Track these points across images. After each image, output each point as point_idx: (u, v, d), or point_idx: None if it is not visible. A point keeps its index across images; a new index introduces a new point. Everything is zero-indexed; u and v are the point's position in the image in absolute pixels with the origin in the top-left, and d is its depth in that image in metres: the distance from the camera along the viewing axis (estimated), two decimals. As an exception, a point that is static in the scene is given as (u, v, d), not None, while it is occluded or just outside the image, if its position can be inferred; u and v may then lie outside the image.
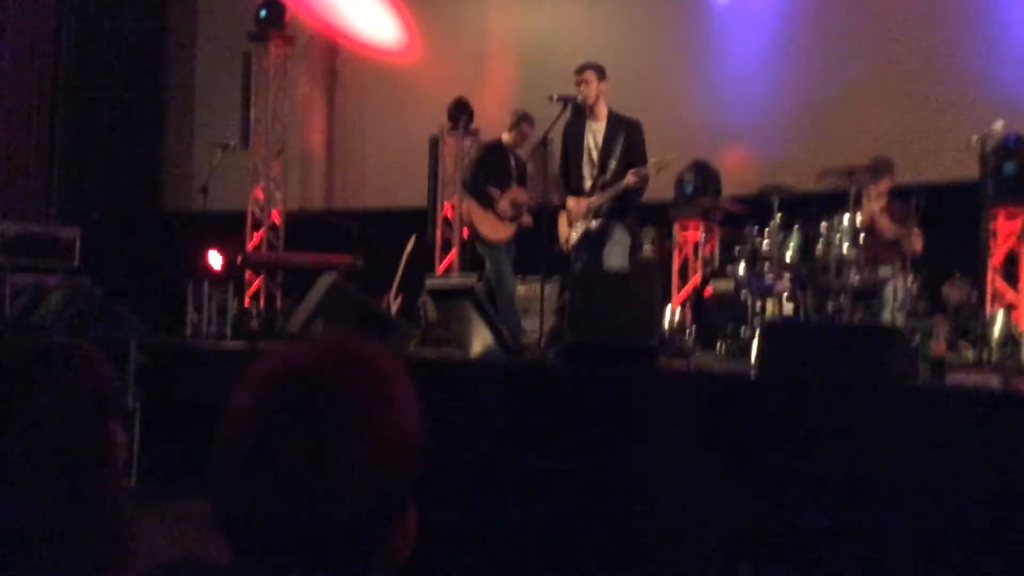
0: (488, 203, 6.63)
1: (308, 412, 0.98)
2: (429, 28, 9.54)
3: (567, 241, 6.21)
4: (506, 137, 6.87)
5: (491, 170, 6.75)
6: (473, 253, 7.20)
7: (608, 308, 4.85)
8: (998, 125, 5.49)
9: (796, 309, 5.95)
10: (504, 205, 6.66)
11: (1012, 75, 6.83)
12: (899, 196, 6.13)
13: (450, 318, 5.94)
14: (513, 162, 6.82)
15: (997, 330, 5.92)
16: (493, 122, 9.00)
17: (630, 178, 5.87)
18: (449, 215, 9.04)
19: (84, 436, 1.19)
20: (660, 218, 7.71)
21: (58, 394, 1.19)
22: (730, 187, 7.64)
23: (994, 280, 6.51)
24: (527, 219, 6.71)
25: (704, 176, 7.75)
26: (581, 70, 6.14)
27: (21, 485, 1.15)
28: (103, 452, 1.20)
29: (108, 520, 1.20)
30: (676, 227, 7.83)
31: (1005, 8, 7.07)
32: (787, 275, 6.06)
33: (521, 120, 6.88)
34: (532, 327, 6.34)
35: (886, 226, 6.00)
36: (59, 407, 1.19)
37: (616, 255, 6.02)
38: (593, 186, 6.11)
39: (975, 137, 5.48)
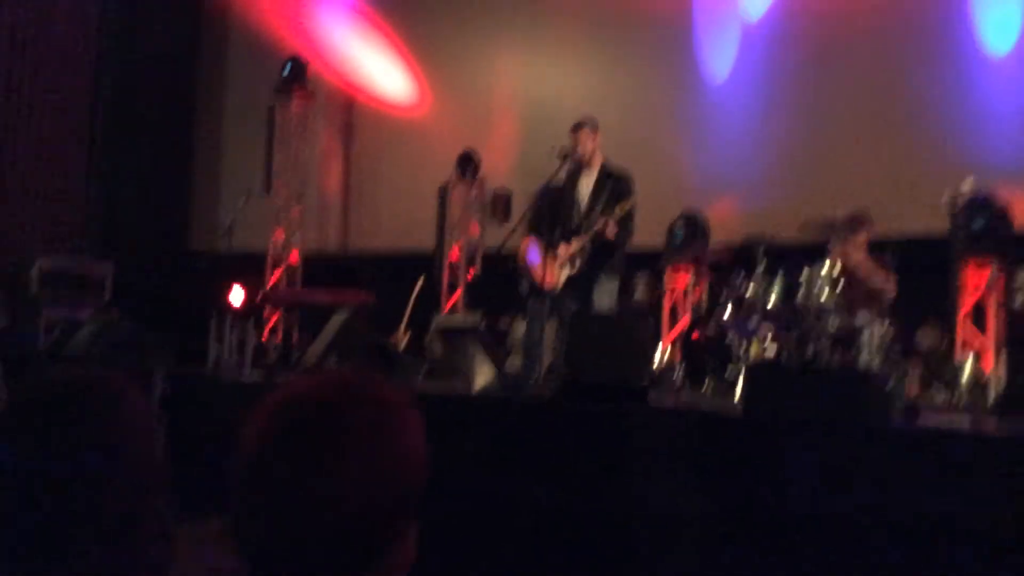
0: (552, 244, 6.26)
1: (315, 436, 0.99)
2: (439, 84, 9.64)
3: (555, 285, 6.10)
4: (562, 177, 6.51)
5: (553, 213, 6.36)
6: (492, 294, 7.04)
7: (603, 348, 4.86)
8: (968, 183, 5.53)
9: (779, 352, 5.94)
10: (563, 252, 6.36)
11: (981, 136, 6.89)
12: (876, 247, 6.15)
13: (454, 354, 5.94)
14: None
15: (966, 374, 5.92)
16: (499, 172, 9.07)
17: (598, 225, 5.85)
18: (454, 258, 9.07)
19: (136, 461, 1.20)
20: (652, 264, 7.72)
21: (115, 420, 1.21)
22: (718, 236, 7.67)
23: (963, 327, 6.51)
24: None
25: (693, 226, 7.79)
26: (576, 129, 6.15)
27: (84, 508, 1.16)
28: (152, 474, 1.22)
29: (161, 536, 1.21)
30: (667, 273, 7.85)
31: (977, 74, 7.15)
32: (770, 320, 6.06)
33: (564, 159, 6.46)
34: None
35: (866, 275, 6.01)
36: (117, 432, 1.20)
37: (605, 297, 6.00)
38: (576, 232, 6.11)
39: (946, 195, 5.52)
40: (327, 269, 9.35)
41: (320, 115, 10.22)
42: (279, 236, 9.90)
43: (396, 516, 1.00)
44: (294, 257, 9.95)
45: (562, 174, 6.13)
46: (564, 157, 6.02)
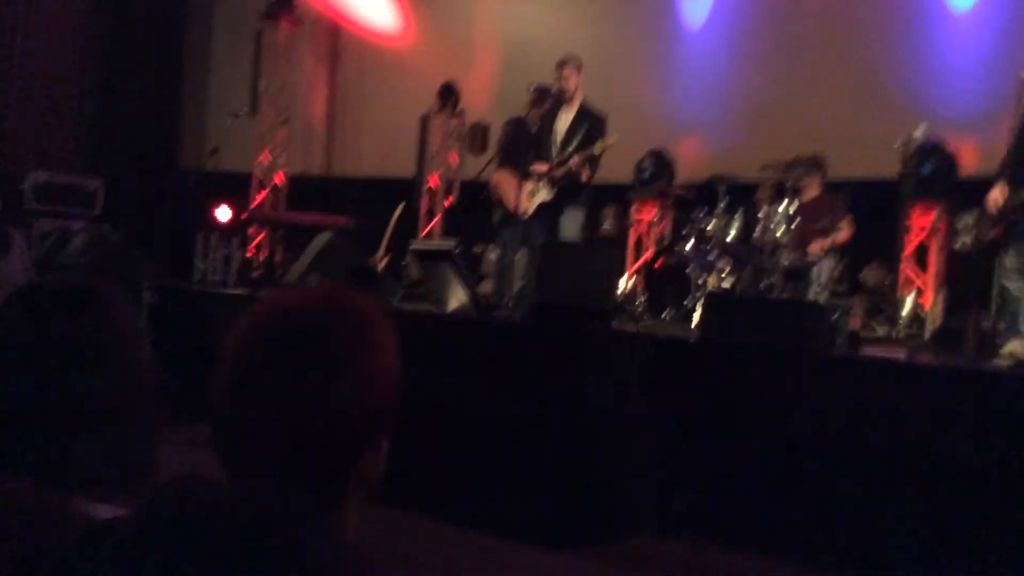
0: (524, 175, 6.31)
1: (295, 345, 0.97)
2: (423, 16, 9.43)
3: (525, 211, 6.12)
4: (530, 114, 6.55)
5: (521, 144, 6.46)
6: (469, 222, 7.05)
7: (571, 275, 4.87)
8: (920, 130, 5.53)
9: (735, 283, 6.00)
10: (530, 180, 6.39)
11: (937, 87, 6.86)
12: (832, 189, 6.17)
13: (430, 277, 5.94)
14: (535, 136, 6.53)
15: (906, 311, 6.01)
16: (478, 105, 8.94)
17: (574, 160, 5.83)
18: (433, 185, 8.99)
19: (124, 361, 1.19)
20: (620, 198, 7.71)
21: (105, 320, 1.19)
22: (684, 174, 7.65)
23: (906, 268, 6.59)
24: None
25: (660, 163, 7.75)
26: (562, 65, 6.08)
27: (72, 399, 1.15)
28: (139, 376, 1.21)
29: (145, 437, 1.20)
30: (634, 207, 7.84)
31: (932, 26, 7.10)
32: (728, 253, 6.10)
33: (538, 95, 6.54)
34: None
35: (819, 215, 6.05)
36: (113, 335, 1.19)
37: (570, 228, 6.01)
38: (551, 164, 6.09)
39: (899, 141, 5.51)
40: (311, 191, 9.25)
41: (306, 41, 9.99)
42: (265, 158, 9.77)
43: (371, 429, 0.99)
44: (279, 178, 9.83)
45: (533, 108, 6.10)
46: (536, 92, 5.95)
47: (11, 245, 4.48)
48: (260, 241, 9.42)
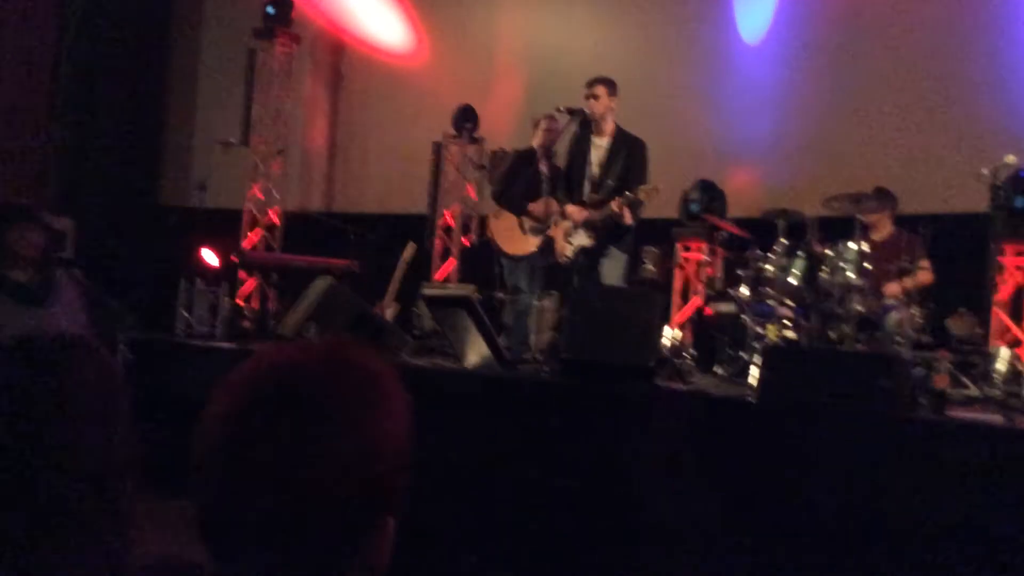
0: (518, 213, 6.53)
1: (291, 409, 0.97)
2: (438, 31, 9.57)
3: (562, 254, 6.21)
4: (536, 142, 6.74)
5: (521, 180, 6.60)
6: (487, 265, 7.16)
7: (607, 325, 4.87)
8: (1010, 159, 5.50)
9: (798, 335, 5.95)
10: (529, 218, 6.57)
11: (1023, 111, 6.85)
12: (907, 226, 6.14)
13: (446, 327, 5.95)
14: (546, 170, 6.63)
15: (1001, 366, 5.92)
16: (498, 131, 9.03)
17: (614, 206, 5.87)
18: (450, 223, 9.05)
19: (104, 427, 1.19)
20: (663, 236, 7.71)
21: (85, 385, 1.19)
22: (736, 208, 7.65)
23: (1000, 315, 6.51)
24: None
25: (710, 196, 7.75)
26: (592, 83, 6.16)
27: (53, 468, 1.14)
28: (120, 443, 1.21)
29: (121, 509, 1.20)
30: (679, 246, 7.83)
31: (1020, 42, 7.10)
32: (790, 300, 6.06)
33: (542, 120, 6.73)
34: (529, 342, 6.33)
35: (895, 255, 6.02)
36: (86, 398, 1.19)
37: (612, 274, 6.04)
38: (589, 203, 6.12)
39: (986, 169, 5.49)
40: (309, 230, 9.32)
41: (305, 61, 10.16)
42: (257, 193, 9.87)
43: (377, 506, 0.99)
44: (273, 216, 9.93)
45: (545, 136, 6.23)
46: (572, 116, 6.03)
47: (57, 292, 4.49)
48: (252, 288, 9.49)
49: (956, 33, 7.34)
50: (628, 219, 5.92)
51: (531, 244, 6.50)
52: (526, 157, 6.69)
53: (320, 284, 6.44)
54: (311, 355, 1.03)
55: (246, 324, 7.79)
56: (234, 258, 8.50)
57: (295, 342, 1.10)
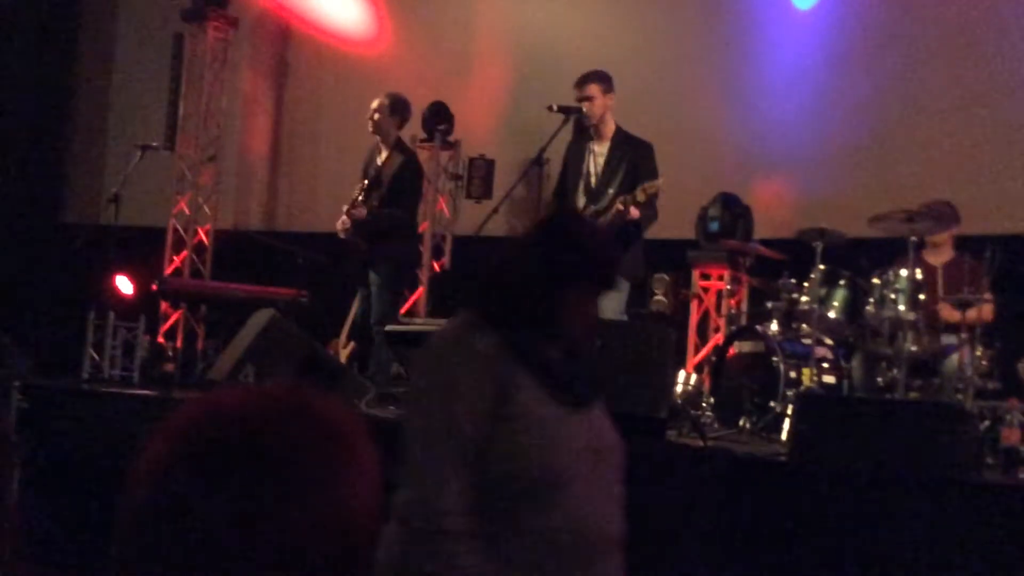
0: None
1: (243, 463, 0.97)
2: (403, 16, 9.62)
3: None
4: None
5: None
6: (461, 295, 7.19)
7: (609, 368, 4.86)
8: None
9: (839, 380, 5.97)
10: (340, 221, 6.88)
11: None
12: (968, 250, 6.19)
13: (413, 370, 5.93)
14: (380, 161, 6.98)
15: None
16: (477, 134, 9.07)
17: (619, 207, 5.90)
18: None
19: None
20: (677, 261, 7.74)
21: None
22: (764, 228, 7.70)
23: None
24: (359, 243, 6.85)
25: (733, 213, 7.80)
26: (583, 83, 6.21)
27: None
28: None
29: None
30: (696, 273, 7.86)
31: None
32: (829, 338, 6.08)
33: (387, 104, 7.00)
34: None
35: (955, 285, 6.06)
36: None
37: (610, 305, 6.04)
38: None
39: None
40: (246, 253, 9.31)
41: (244, 49, 10.19)
42: (183, 208, 9.86)
43: (344, 573, 0.99)
44: (203, 236, 9.91)
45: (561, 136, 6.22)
46: (567, 116, 6.07)
47: None
48: (175, 322, 9.46)
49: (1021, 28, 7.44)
50: (634, 214, 5.94)
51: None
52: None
53: (259, 318, 6.43)
54: (265, 401, 1.02)
55: (169, 367, 7.76)
56: (154, 286, 8.47)
57: (242, 387, 1.09)
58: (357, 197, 6.99)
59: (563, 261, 2.34)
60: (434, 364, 2.32)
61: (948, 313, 5.97)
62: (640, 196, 5.88)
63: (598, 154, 6.24)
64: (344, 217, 6.93)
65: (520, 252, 2.42)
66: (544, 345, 2.31)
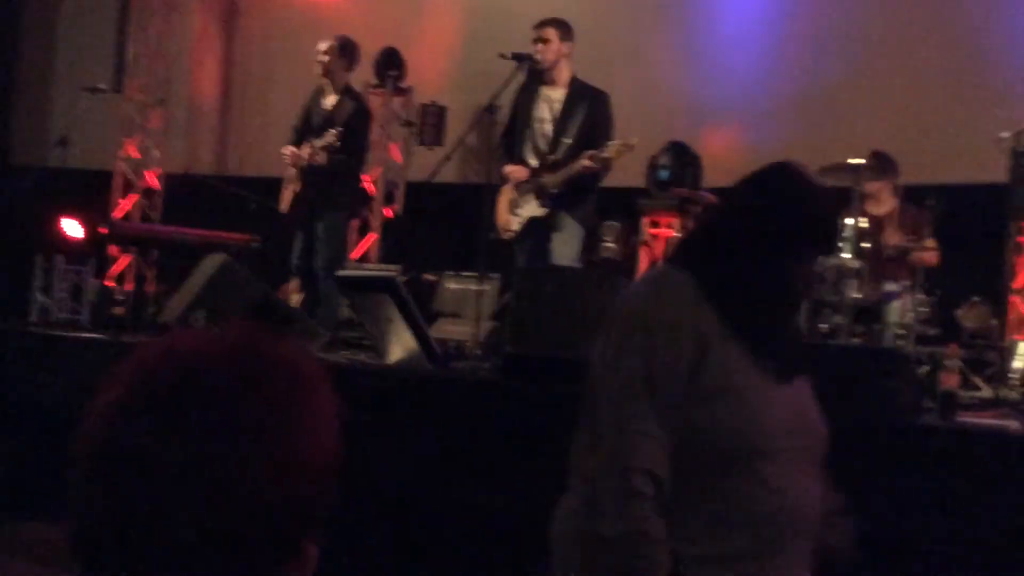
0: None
1: (199, 405, 0.96)
2: (356, -41, 9.52)
3: (506, 228, 6.22)
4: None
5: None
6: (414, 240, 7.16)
7: (559, 313, 4.90)
8: (1032, 122, 5.65)
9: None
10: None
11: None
12: (911, 199, 6.27)
13: (364, 316, 5.94)
14: (329, 105, 6.93)
15: (1019, 363, 6.08)
16: (430, 80, 9.01)
17: (585, 161, 5.89)
18: (370, 190, 9.01)
19: None
20: (626, 209, 7.77)
21: None
22: (713, 176, 7.74)
23: (1019, 304, 6.68)
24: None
25: (682, 161, 7.83)
26: (541, 25, 6.18)
27: None
28: None
29: None
30: (645, 221, 7.90)
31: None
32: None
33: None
34: (465, 333, 6.35)
35: (893, 233, 6.14)
36: None
37: (565, 252, 6.07)
38: (541, 166, 6.14)
39: (1006, 133, 5.64)
40: (196, 197, 9.23)
41: (193, -10, 10.03)
42: (132, 151, 9.76)
43: (295, 531, 0.99)
44: (152, 179, 9.81)
45: (514, 85, 6.19)
46: (519, 62, 6.03)
47: None
48: (125, 266, 9.38)
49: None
50: (595, 166, 5.92)
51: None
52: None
53: (211, 262, 6.38)
54: (221, 344, 1.01)
55: (118, 310, 7.71)
56: (103, 229, 8.39)
57: (197, 330, 1.08)
58: (313, 141, 6.85)
59: (790, 226, 2.17)
60: (630, 321, 2.16)
61: (894, 236, 6.01)
62: (612, 153, 5.88)
63: (554, 100, 6.22)
64: (303, 151, 6.78)
65: (741, 213, 2.28)
66: (753, 311, 2.16)
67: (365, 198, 8.64)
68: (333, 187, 6.85)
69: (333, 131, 6.64)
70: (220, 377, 0.98)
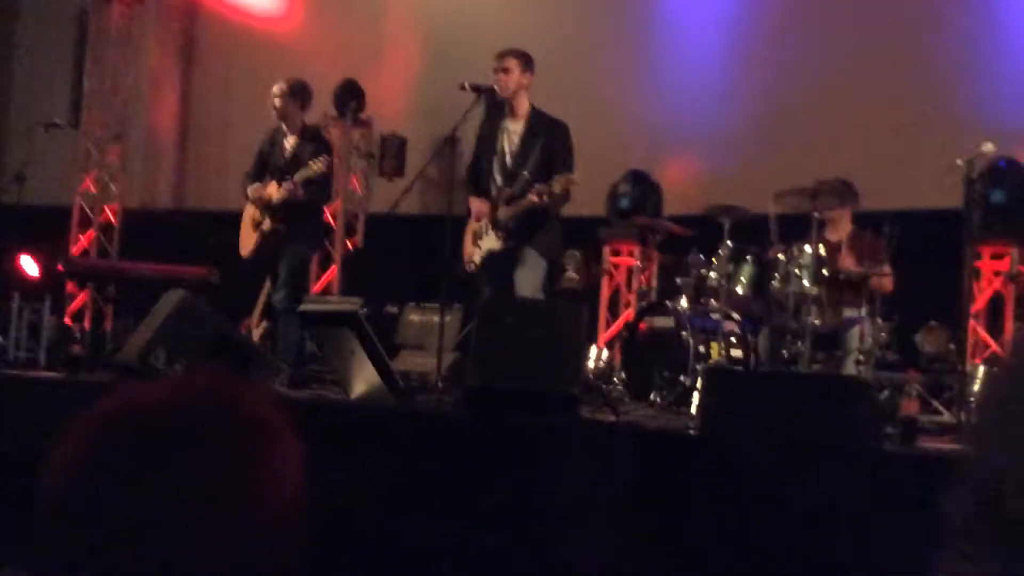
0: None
1: (155, 458, 0.96)
2: (315, -7, 9.54)
3: (470, 260, 6.24)
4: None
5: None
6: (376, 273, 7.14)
7: (521, 345, 4.90)
8: (987, 147, 5.72)
9: (746, 354, 6.07)
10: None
11: (1007, 93, 7.12)
12: (869, 225, 6.33)
13: (327, 351, 5.91)
14: (289, 146, 6.90)
15: (979, 387, 6.13)
16: (390, 111, 9.02)
17: (532, 197, 5.91)
18: (330, 223, 9.00)
19: None
20: (588, 238, 7.80)
21: None
22: (673, 205, 7.80)
23: (977, 328, 6.75)
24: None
25: (642, 190, 7.88)
26: (502, 56, 6.19)
27: None
28: None
29: None
30: (607, 250, 7.94)
31: (1002, 17, 7.38)
32: (736, 313, 6.18)
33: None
34: (428, 365, 6.33)
35: (851, 260, 6.19)
36: None
37: (528, 283, 6.07)
38: (499, 199, 6.16)
39: (960, 160, 5.71)
40: (155, 232, 9.19)
41: (150, 25, 10.02)
42: (89, 186, 9.71)
43: (262, 570, 0.99)
44: (110, 214, 9.75)
45: (474, 115, 6.20)
46: (478, 94, 6.05)
47: None
48: (83, 303, 9.29)
49: (928, 8, 7.61)
50: (551, 196, 5.92)
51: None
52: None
53: (169, 299, 6.33)
54: (183, 392, 1.01)
55: (76, 349, 7.61)
56: (60, 266, 8.32)
57: (159, 379, 1.08)
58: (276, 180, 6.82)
59: None
60: None
61: (852, 263, 6.06)
62: (557, 188, 5.89)
63: (512, 132, 6.23)
64: (283, 187, 6.73)
65: None
66: None
67: (327, 231, 8.63)
68: (302, 222, 6.83)
69: (310, 167, 6.63)
70: (180, 430, 0.98)
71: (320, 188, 6.83)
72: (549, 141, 6.12)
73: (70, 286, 9.13)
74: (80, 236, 9.65)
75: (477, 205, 6.20)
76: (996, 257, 6.84)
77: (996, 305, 6.85)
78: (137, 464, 0.96)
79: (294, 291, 6.78)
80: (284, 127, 7.00)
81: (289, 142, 6.96)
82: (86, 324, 8.98)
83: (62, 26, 9.82)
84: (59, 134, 8.56)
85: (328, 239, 8.99)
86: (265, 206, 6.82)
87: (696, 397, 5.43)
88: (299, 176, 6.60)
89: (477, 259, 6.20)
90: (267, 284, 7.16)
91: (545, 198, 5.88)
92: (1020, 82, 7.15)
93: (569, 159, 6.13)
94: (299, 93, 7.01)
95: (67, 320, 8.78)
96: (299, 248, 6.87)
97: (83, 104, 9.64)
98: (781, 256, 5.91)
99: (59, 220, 9.51)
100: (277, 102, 6.93)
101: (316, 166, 6.59)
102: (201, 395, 1.02)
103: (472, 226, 6.24)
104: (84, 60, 9.66)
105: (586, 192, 6.55)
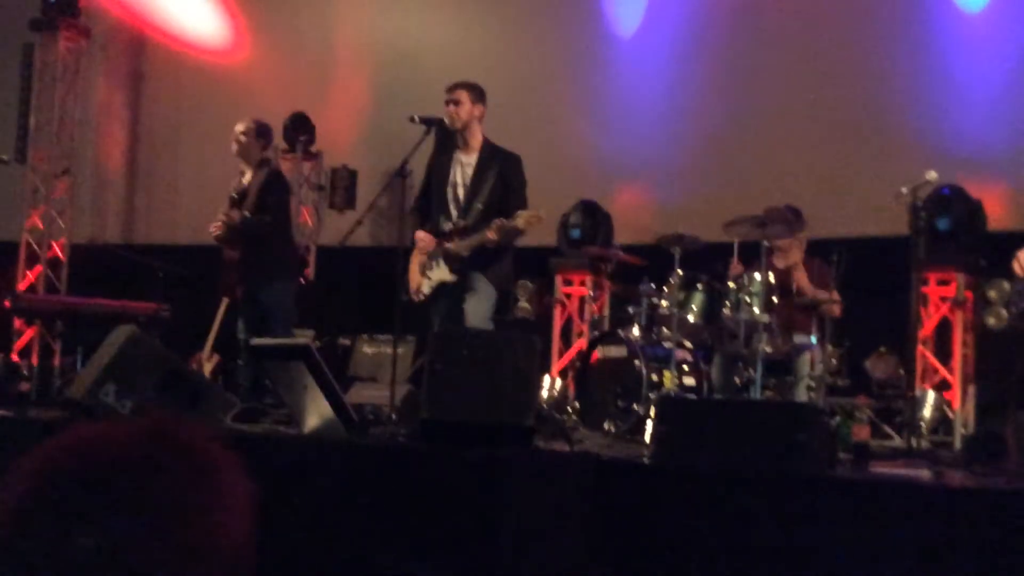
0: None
1: (101, 501, 0.96)
2: (262, 24, 9.52)
3: (418, 291, 6.21)
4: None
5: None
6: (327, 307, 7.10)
7: (474, 377, 4.88)
8: (931, 175, 5.81)
9: (699, 381, 6.11)
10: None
11: (950, 123, 7.25)
12: (817, 253, 6.40)
13: (279, 384, 5.87)
14: (244, 183, 6.92)
15: (928, 412, 6.22)
16: (339, 144, 9.02)
17: (490, 234, 5.89)
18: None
19: None
20: (540, 268, 7.82)
21: None
22: (624, 235, 7.84)
23: (924, 354, 6.83)
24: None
25: (593, 220, 7.93)
26: (453, 88, 6.21)
27: None
28: None
29: None
30: (559, 279, 7.96)
31: (942, 40, 7.53)
32: (688, 341, 6.22)
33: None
34: (382, 397, 6.31)
35: (804, 286, 6.26)
36: None
37: (478, 313, 6.06)
38: (452, 231, 6.15)
39: (904, 188, 5.80)
40: (104, 267, 9.10)
41: (97, 59, 9.97)
42: (37, 221, 9.62)
43: None
44: (57, 250, 9.66)
45: (425, 148, 6.20)
46: (428, 127, 6.05)
47: None
48: (30, 339, 9.18)
49: (871, 39, 7.73)
50: (500, 235, 5.90)
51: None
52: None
53: (119, 334, 6.26)
54: (129, 434, 1.01)
55: (24, 386, 7.53)
56: (7, 303, 8.23)
57: (103, 422, 1.07)
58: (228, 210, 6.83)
59: None
60: None
61: (805, 289, 6.13)
62: (520, 223, 5.88)
63: (466, 164, 6.23)
64: (218, 220, 6.74)
65: None
66: None
67: (304, 262, 8.60)
68: (257, 252, 6.77)
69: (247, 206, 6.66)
70: (123, 469, 0.98)
71: (263, 219, 6.81)
72: (503, 172, 6.13)
73: (17, 322, 9.04)
74: (28, 272, 9.56)
75: (423, 239, 6.19)
76: (943, 283, 6.94)
77: (944, 330, 6.94)
78: (83, 503, 0.96)
79: (285, 327, 6.76)
80: (243, 164, 6.98)
81: (246, 178, 6.95)
82: (34, 360, 8.88)
83: (7, 60, 9.74)
84: (5, 169, 8.51)
85: (303, 272, 8.96)
86: (229, 238, 6.79)
87: (650, 425, 5.46)
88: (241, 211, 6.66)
89: (427, 289, 6.18)
90: (219, 315, 7.09)
91: (501, 236, 5.87)
92: (963, 111, 7.29)
93: (523, 191, 6.14)
94: (263, 134, 7.02)
95: (14, 357, 8.68)
96: (277, 284, 6.83)
97: (29, 139, 9.56)
98: (732, 284, 5.96)
99: (6, 256, 9.42)
100: (242, 139, 6.90)
101: (247, 208, 6.67)
102: (147, 435, 1.01)
103: (418, 257, 6.23)
104: (30, 94, 9.58)
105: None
